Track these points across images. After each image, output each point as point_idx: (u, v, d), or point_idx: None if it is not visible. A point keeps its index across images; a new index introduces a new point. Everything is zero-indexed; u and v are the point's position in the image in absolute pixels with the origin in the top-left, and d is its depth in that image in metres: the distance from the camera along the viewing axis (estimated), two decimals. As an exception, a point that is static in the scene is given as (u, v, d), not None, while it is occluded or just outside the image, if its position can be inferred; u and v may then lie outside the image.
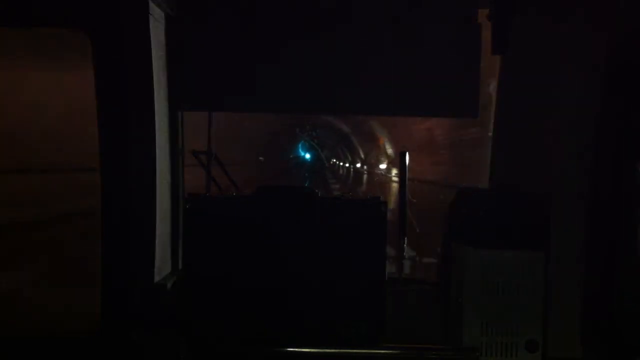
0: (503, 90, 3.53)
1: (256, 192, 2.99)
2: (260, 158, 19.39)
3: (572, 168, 2.76)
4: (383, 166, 17.04)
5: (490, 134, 3.68)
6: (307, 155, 28.67)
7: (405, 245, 3.35)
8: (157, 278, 3.22)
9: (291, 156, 26.23)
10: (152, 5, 3.13)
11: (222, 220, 2.91)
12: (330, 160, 28.48)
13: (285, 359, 2.80)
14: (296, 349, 2.78)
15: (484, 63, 3.33)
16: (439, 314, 3.13)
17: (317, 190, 2.99)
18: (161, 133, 3.30)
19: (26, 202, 4.88)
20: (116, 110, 2.89)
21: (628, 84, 2.65)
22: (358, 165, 22.48)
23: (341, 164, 26.97)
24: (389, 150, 15.94)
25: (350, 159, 24.24)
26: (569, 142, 2.77)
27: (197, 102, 3.47)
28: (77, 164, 4.84)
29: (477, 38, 3.26)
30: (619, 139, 2.69)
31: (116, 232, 2.90)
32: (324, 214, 2.92)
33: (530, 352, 2.80)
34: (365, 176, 20.84)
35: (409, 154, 3.43)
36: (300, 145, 27.20)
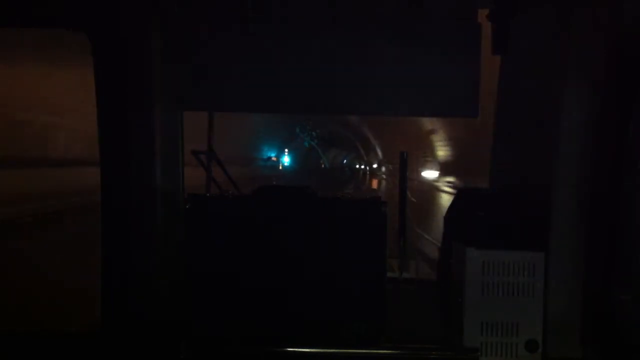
0: (503, 90, 3.53)
1: (256, 192, 2.99)
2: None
3: (572, 168, 2.76)
4: (430, 174, 10.39)
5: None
6: (286, 160, 19.15)
7: (404, 245, 3.35)
8: (157, 278, 3.22)
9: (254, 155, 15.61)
10: (152, 5, 3.13)
11: (222, 220, 2.91)
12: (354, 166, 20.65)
13: (285, 359, 2.80)
14: (296, 349, 2.78)
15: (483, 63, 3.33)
16: (439, 314, 3.13)
17: (317, 191, 2.99)
18: (161, 133, 3.30)
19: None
20: (116, 110, 2.89)
21: (628, 84, 2.65)
22: (375, 166, 19.88)
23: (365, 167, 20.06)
24: (441, 151, 10.74)
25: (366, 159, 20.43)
26: (569, 142, 2.77)
27: (197, 102, 3.46)
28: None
29: (477, 38, 3.26)
30: (618, 139, 2.69)
31: (116, 232, 2.90)
32: (324, 214, 2.92)
33: (530, 352, 2.80)
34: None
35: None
36: (268, 143, 16.86)
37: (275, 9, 3.27)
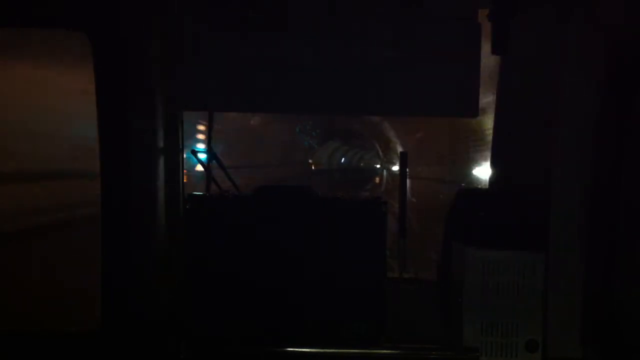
0: (503, 90, 3.53)
1: (256, 192, 2.99)
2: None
3: (572, 168, 2.76)
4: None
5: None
6: (200, 157, 13.81)
7: (405, 245, 3.35)
8: (157, 278, 3.22)
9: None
10: (151, 5, 3.13)
11: (222, 220, 2.91)
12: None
13: (285, 359, 2.81)
14: (296, 349, 2.78)
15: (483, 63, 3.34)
16: (439, 314, 3.13)
17: (317, 190, 3.00)
18: (161, 133, 3.30)
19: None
20: (116, 110, 2.89)
21: (628, 84, 2.65)
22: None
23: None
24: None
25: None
26: (569, 142, 2.77)
27: (197, 102, 3.47)
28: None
29: (477, 38, 3.26)
30: (618, 139, 2.69)
31: (116, 232, 2.90)
32: (324, 214, 2.92)
33: (530, 352, 2.80)
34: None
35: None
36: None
37: (275, 9, 3.27)
